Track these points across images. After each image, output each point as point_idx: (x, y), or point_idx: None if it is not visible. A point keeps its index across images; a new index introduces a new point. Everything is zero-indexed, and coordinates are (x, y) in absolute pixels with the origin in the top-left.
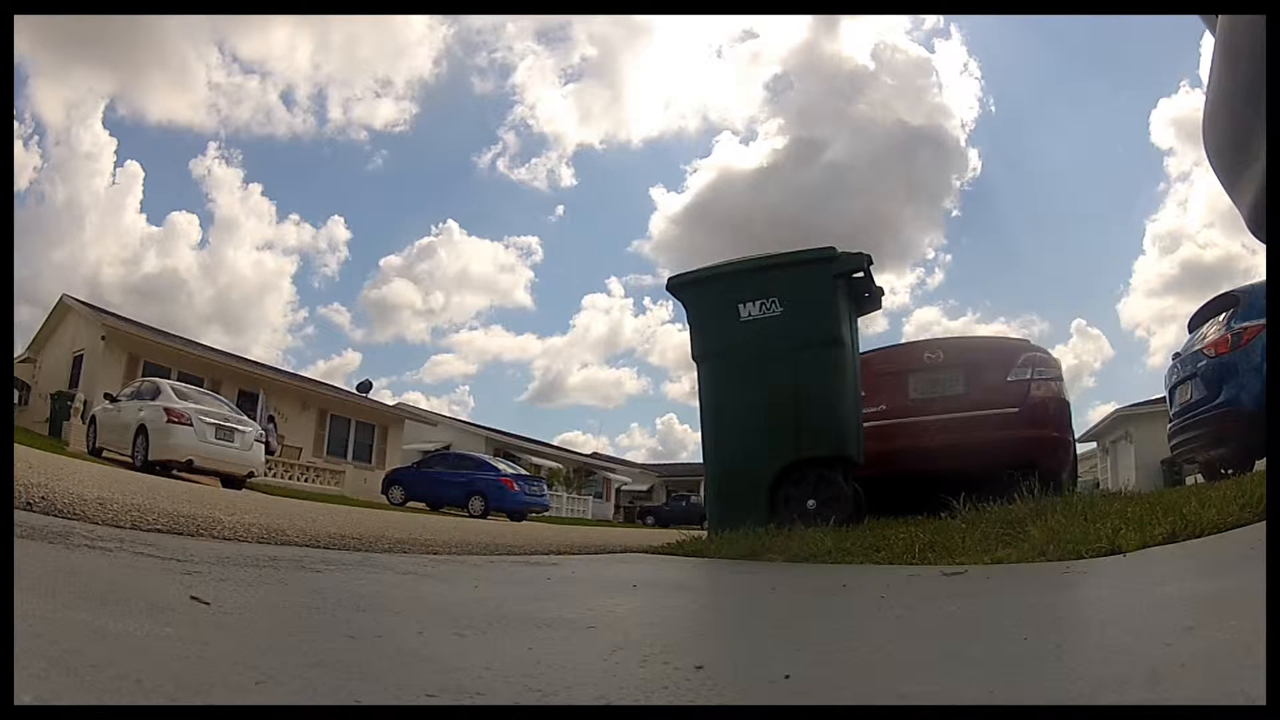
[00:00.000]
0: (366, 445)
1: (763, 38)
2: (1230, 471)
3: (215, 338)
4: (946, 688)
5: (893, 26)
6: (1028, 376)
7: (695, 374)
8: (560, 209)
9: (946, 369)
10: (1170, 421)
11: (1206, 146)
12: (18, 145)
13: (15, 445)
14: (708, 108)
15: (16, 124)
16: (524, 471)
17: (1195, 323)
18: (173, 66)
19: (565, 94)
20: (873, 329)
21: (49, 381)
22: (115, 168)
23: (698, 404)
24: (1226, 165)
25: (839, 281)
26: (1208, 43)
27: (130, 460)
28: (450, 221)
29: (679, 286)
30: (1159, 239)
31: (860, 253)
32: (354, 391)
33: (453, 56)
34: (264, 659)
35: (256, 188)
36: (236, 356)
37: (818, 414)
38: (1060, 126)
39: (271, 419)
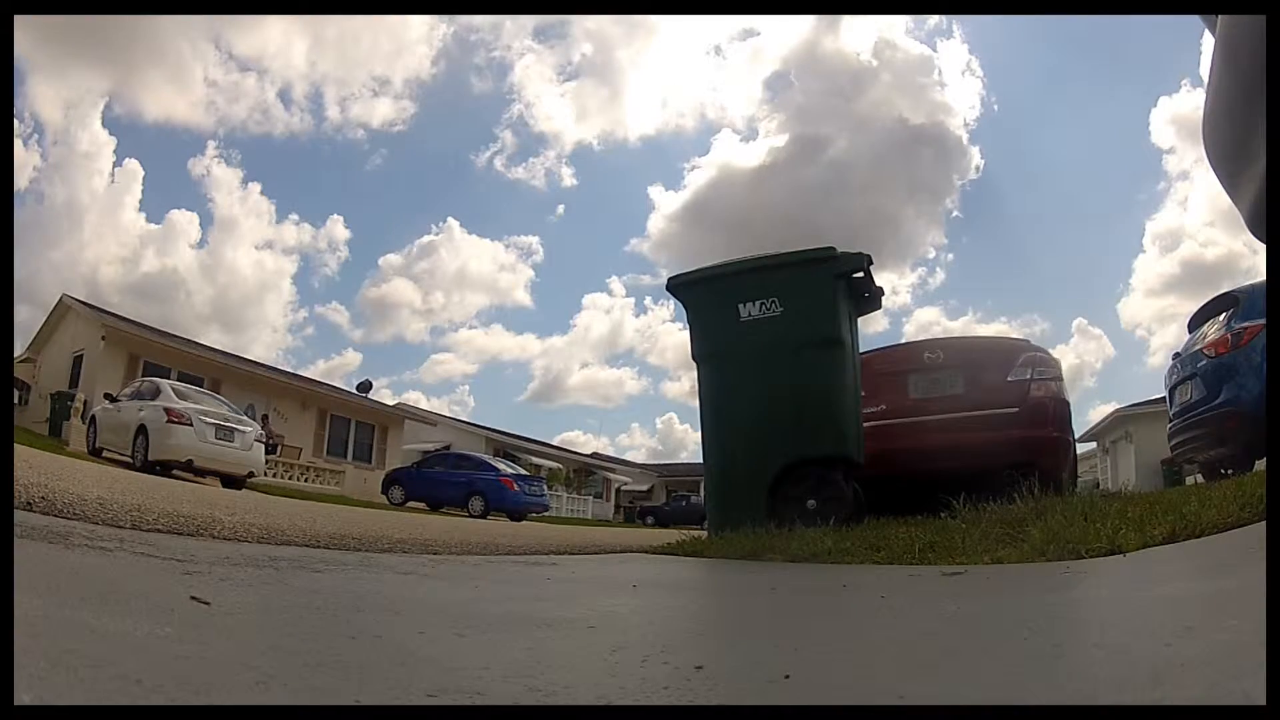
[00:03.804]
0: (366, 445)
1: (763, 35)
2: (1230, 471)
3: (215, 337)
4: (946, 688)
5: (894, 24)
6: (1028, 376)
7: (695, 374)
8: (560, 208)
9: (946, 369)
10: (1170, 421)
11: (1206, 146)
12: (17, 144)
13: (15, 445)
14: (706, 105)
15: (15, 123)
16: (524, 471)
17: (1195, 323)
18: (169, 64)
19: (563, 92)
20: (873, 329)
21: (49, 381)
22: (114, 167)
23: (698, 404)
24: (1226, 165)
25: (839, 281)
26: (1208, 42)
27: (130, 460)
28: (450, 220)
29: (679, 286)
30: (1159, 238)
31: (860, 253)
32: (354, 391)
33: (450, 55)
34: (264, 659)
35: (256, 187)
36: (236, 356)
37: (818, 414)
38: (1061, 125)
39: (265, 418)
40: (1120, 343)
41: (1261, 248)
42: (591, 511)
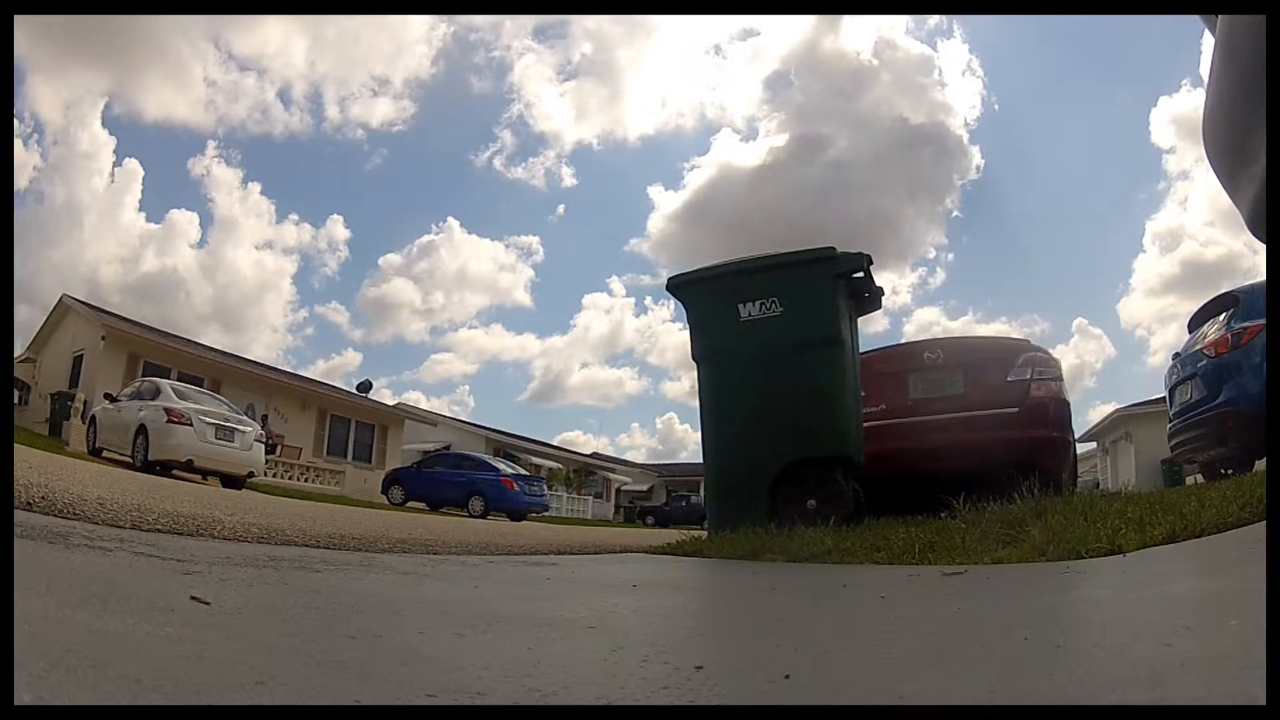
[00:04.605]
0: (366, 445)
1: (763, 35)
2: (1230, 471)
3: (215, 337)
4: (946, 688)
5: (894, 24)
6: (1028, 376)
7: (695, 374)
8: (560, 208)
9: (946, 369)
10: (1170, 421)
11: (1206, 146)
12: (17, 144)
13: (15, 445)
14: (706, 105)
15: (15, 123)
16: (524, 471)
17: (1195, 323)
18: (169, 63)
19: (563, 92)
20: (873, 329)
21: (49, 381)
22: (114, 166)
23: (698, 404)
24: (1226, 165)
25: (839, 281)
26: (1208, 42)
27: (130, 460)
28: (450, 220)
29: (679, 286)
30: (1159, 237)
31: (860, 253)
32: (354, 391)
33: (450, 55)
34: (264, 659)
35: (256, 187)
36: (236, 356)
37: (818, 414)
38: (1061, 125)
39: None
40: (1120, 343)
41: (1261, 248)
42: (591, 511)
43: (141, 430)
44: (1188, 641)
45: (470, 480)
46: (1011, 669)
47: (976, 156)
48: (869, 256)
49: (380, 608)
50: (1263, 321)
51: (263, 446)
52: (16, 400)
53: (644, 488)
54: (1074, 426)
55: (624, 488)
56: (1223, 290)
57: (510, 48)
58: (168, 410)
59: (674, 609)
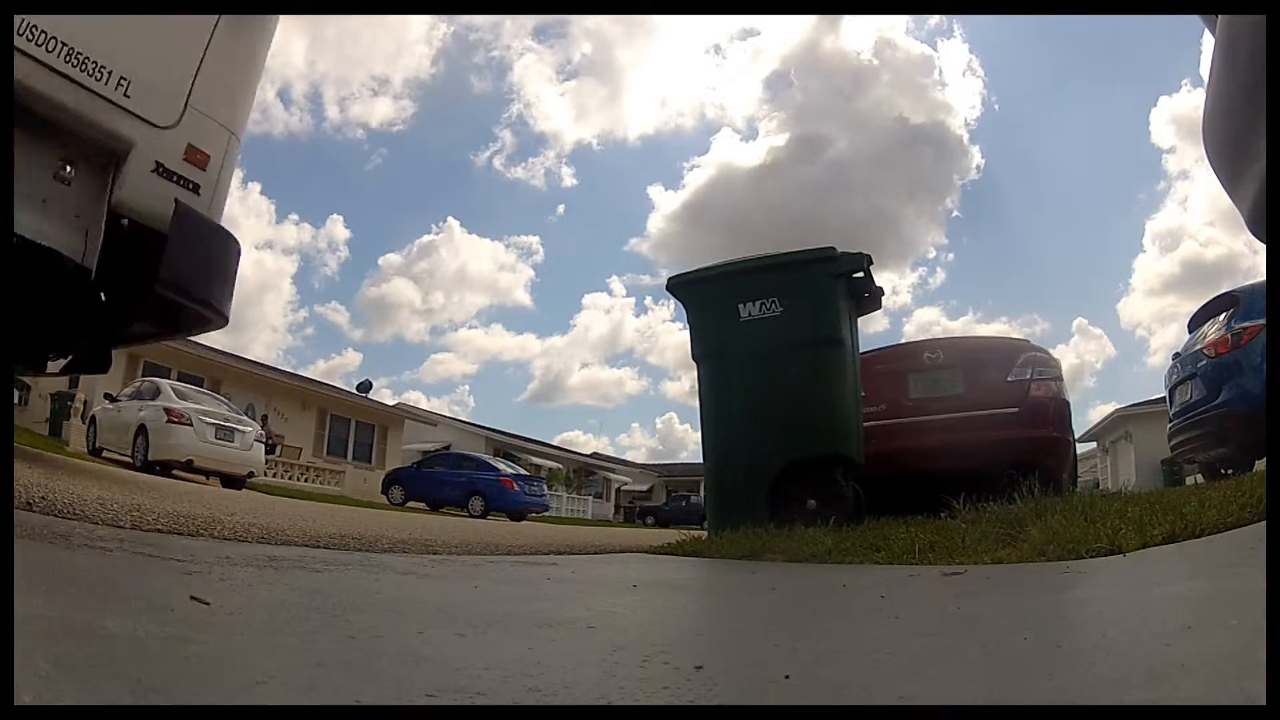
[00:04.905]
0: (366, 445)
1: (763, 35)
2: (1230, 471)
3: (215, 337)
4: (946, 688)
5: (894, 24)
6: (1027, 376)
7: (695, 374)
8: (560, 208)
9: (946, 369)
10: (1170, 421)
11: (1206, 146)
12: None
13: (15, 445)
14: (706, 105)
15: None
16: (524, 471)
17: (1195, 322)
18: None
19: (563, 92)
20: (873, 329)
21: (49, 381)
22: None
23: (698, 404)
24: (1227, 165)
25: (839, 281)
26: (1208, 42)
27: (130, 460)
28: (451, 220)
29: (679, 286)
30: (1159, 238)
31: (860, 253)
32: (354, 391)
33: (450, 55)
34: (264, 659)
35: (255, 187)
36: (236, 356)
37: (818, 414)
38: (1061, 125)
39: (265, 416)
40: (1120, 343)
41: (1261, 248)
42: (591, 511)
43: (141, 430)
44: (1188, 641)
45: (470, 480)
46: (1011, 669)
47: (976, 156)
48: (869, 256)
49: (380, 608)
50: (1263, 321)
51: (263, 446)
52: (16, 400)
53: (644, 488)
54: (1074, 426)
55: (624, 488)
56: (1223, 290)
57: (510, 48)
58: (168, 410)
59: (674, 609)
